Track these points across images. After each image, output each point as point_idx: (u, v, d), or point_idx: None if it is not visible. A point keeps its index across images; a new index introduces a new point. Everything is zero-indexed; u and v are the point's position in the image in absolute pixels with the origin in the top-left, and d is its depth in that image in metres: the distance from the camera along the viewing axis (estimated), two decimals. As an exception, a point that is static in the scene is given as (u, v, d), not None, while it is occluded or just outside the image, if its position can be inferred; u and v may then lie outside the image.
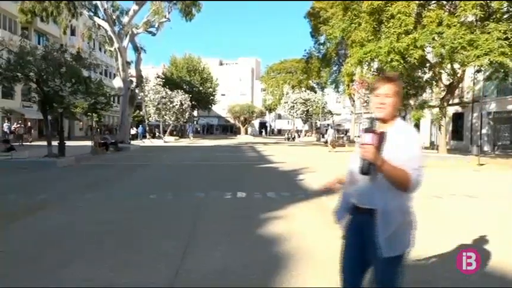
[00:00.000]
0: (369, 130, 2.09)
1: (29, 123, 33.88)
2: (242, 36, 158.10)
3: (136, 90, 28.15)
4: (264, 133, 74.54)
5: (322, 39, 37.62)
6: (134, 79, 27.39)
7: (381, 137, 2.12)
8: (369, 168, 2.07)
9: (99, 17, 26.28)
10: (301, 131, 57.06)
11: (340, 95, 42.04)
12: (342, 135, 42.61)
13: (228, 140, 44.38)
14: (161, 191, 8.76)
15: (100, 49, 45.99)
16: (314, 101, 48.41)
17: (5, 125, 30.09)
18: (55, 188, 9.55)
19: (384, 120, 2.23)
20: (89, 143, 21.61)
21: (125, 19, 27.16)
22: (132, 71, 28.30)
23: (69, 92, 13.71)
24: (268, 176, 12.24)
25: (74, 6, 24.70)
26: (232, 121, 73.37)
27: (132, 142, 28.91)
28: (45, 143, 15.91)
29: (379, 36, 19.11)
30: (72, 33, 43.16)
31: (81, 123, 43.42)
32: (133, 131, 40.86)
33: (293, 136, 49.65)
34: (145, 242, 4.97)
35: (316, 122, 51.06)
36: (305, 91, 50.58)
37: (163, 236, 5.21)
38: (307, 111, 48.86)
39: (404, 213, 2.18)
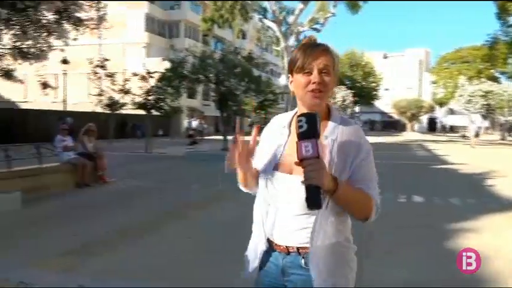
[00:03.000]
0: (310, 134, 1.25)
1: (201, 120, 38.04)
2: (409, 26, 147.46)
3: (301, 87, 28.77)
4: (433, 130, 68.12)
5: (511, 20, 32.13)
6: (299, 76, 28.00)
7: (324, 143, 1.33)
8: (320, 198, 1.24)
9: (268, 19, 27.77)
10: (480, 128, 50.05)
11: (534, 85, 35.18)
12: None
13: (392, 137, 41.80)
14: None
15: (266, 49, 48.86)
16: (498, 93, 41.74)
17: (186, 122, 34.39)
18: (230, 180, 10.29)
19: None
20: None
21: (291, 18, 28.04)
22: (296, 68, 29.02)
23: (242, 91, 14.82)
24: (447, 179, 10.86)
25: (246, 10, 26.69)
26: (396, 117, 69.24)
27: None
28: (219, 137, 17.61)
29: None
30: (243, 36, 46.89)
31: (249, 119, 46.94)
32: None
33: (471, 134, 43.82)
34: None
35: (499, 118, 43.97)
36: (485, 82, 44.07)
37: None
38: (489, 105, 42.46)
39: (348, 250, 1.47)
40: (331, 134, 1.41)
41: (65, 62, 19.92)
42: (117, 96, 19.97)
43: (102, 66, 18.04)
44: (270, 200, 1.46)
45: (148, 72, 16.42)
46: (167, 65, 16.51)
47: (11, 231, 5.14)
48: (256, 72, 17.08)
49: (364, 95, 53.49)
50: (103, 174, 9.02)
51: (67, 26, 6.33)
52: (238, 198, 7.65)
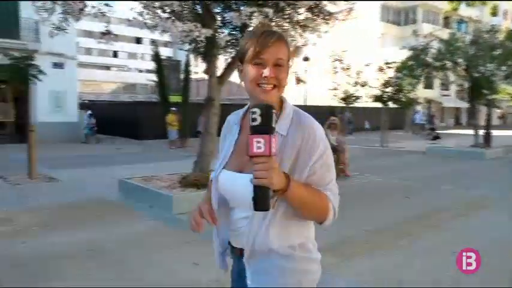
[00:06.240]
0: (263, 128, 1.06)
1: (431, 111, 33.72)
2: None
3: None
4: None
5: None
6: None
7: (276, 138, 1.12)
8: (269, 199, 1.07)
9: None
10: None
11: None
12: None
13: None
14: None
15: (526, 25, 40.33)
16: None
17: (417, 116, 28.51)
18: (489, 182, 8.67)
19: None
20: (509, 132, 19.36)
21: None
22: None
23: (503, 76, 12.35)
24: None
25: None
26: None
27: None
28: (459, 131, 15.54)
29: None
30: (493, 14, 40.23)
31: (499, 110, 39.94)
32: None
33: None
34: None
35: None
36: None
37: None
38: None
39: (300, 258, 1.27)
40: (281, 129, 1.24)
41: (306, 59, 21.29)
42: (351, 90, 20.07)
43: (340, 60, 18.39)
44: (222, 201, 1.33)
45: (387, 63, 15.74)
46: (403, 54, 15.39)
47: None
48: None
49: None
50: (345, 168, 9.00)
51: (319, 20, 6.40)
52: (505, 207, 6.26)
